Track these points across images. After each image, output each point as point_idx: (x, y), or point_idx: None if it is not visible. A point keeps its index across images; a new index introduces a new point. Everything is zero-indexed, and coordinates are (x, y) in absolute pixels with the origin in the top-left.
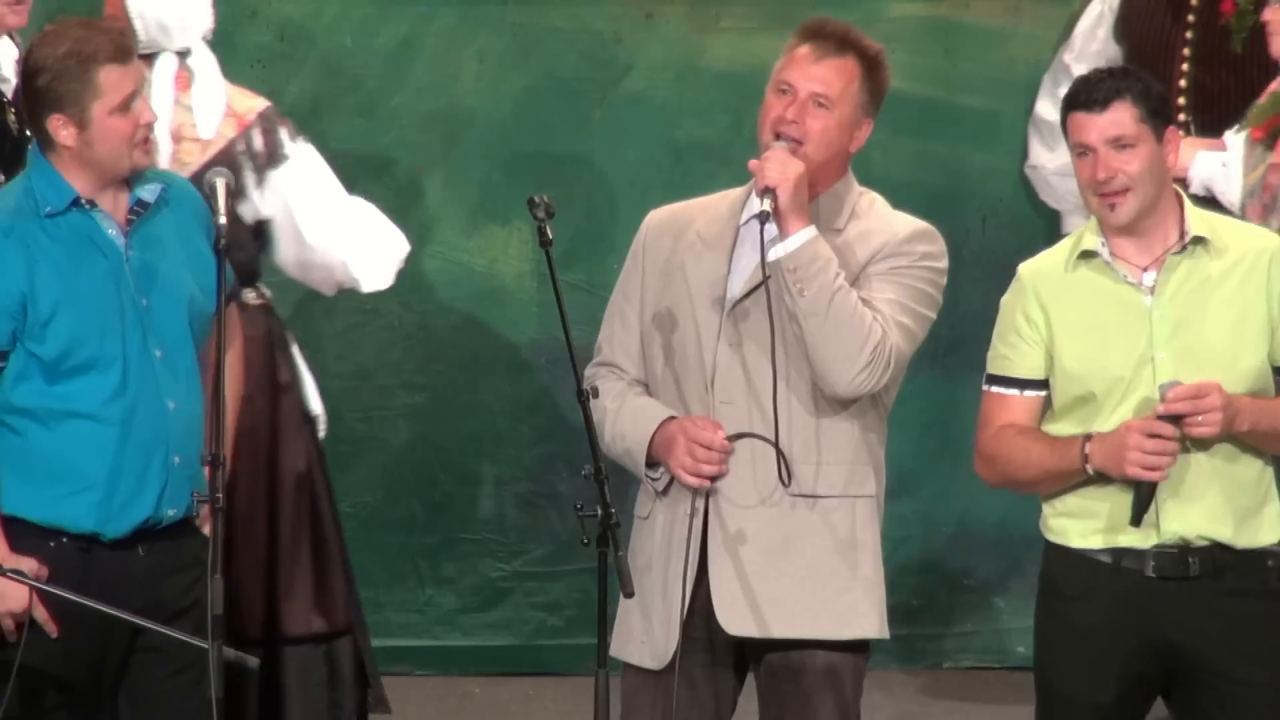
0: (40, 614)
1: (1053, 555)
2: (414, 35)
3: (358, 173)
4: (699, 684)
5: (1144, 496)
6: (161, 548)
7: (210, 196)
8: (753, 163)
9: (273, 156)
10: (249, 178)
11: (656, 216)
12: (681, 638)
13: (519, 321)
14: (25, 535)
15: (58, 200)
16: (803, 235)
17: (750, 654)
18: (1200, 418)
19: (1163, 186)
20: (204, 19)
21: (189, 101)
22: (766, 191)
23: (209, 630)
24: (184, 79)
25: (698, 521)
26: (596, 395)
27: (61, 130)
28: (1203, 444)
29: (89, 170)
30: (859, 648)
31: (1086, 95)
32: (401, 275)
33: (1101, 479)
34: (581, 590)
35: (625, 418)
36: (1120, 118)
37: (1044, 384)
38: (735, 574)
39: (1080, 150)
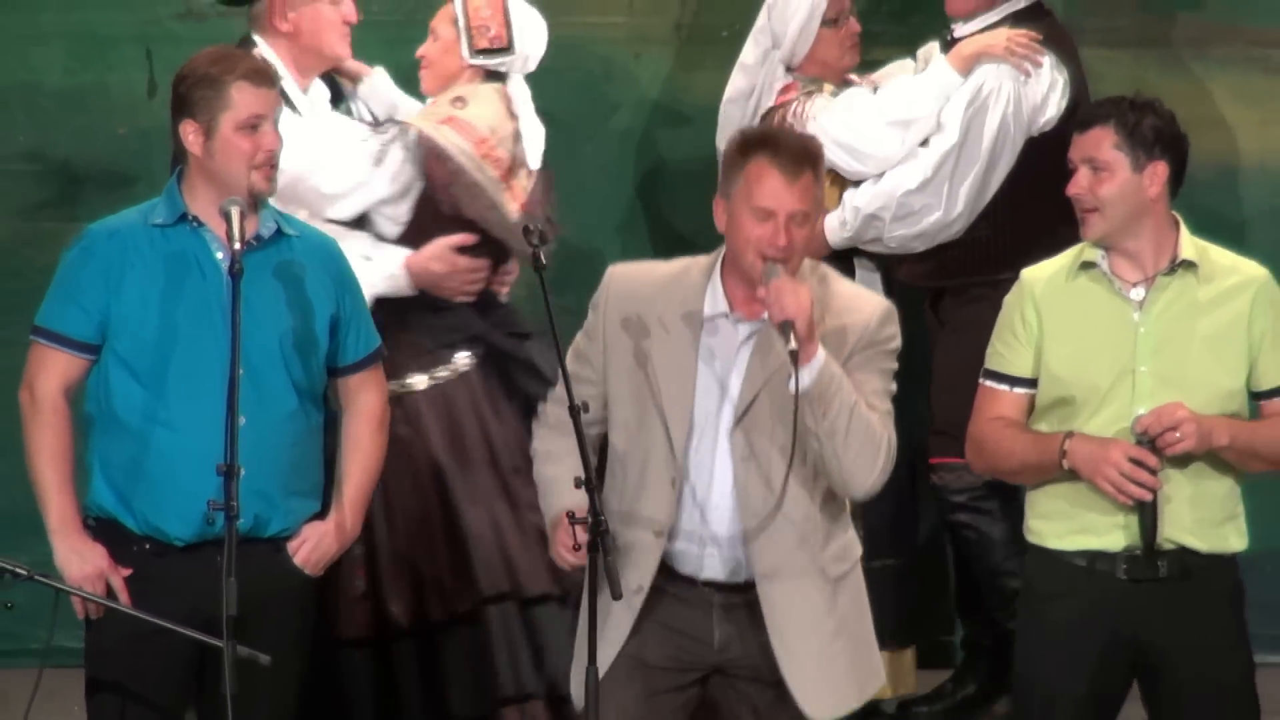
0: (116, 581)
1: (1032, 557)
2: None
3: None
4: (672, 708)
5: (1149, 522)
6: (234, 558)
7: (227, 221)
8: (761, 291)
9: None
10: None
11: (618, 281)
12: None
13: None
14: (105, 531)
15: (168, 214)
16: (819, 360)
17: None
18: (1176, 434)
19: (1143, 213)
20: (541, 45)
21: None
22: (785, 324)
23: (224, 630)
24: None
25: (642, 596)
26: (587, 410)
27: (190, 136)
28: (1181, 461)
29: (211, 184)
30: None
31: (1080, 115)
32: None
33: (1074, 477)
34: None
35: (542, 482)
36: (1098, 140)
37: (1034, 382)
38: (806, 661)
39: (1070, 165)
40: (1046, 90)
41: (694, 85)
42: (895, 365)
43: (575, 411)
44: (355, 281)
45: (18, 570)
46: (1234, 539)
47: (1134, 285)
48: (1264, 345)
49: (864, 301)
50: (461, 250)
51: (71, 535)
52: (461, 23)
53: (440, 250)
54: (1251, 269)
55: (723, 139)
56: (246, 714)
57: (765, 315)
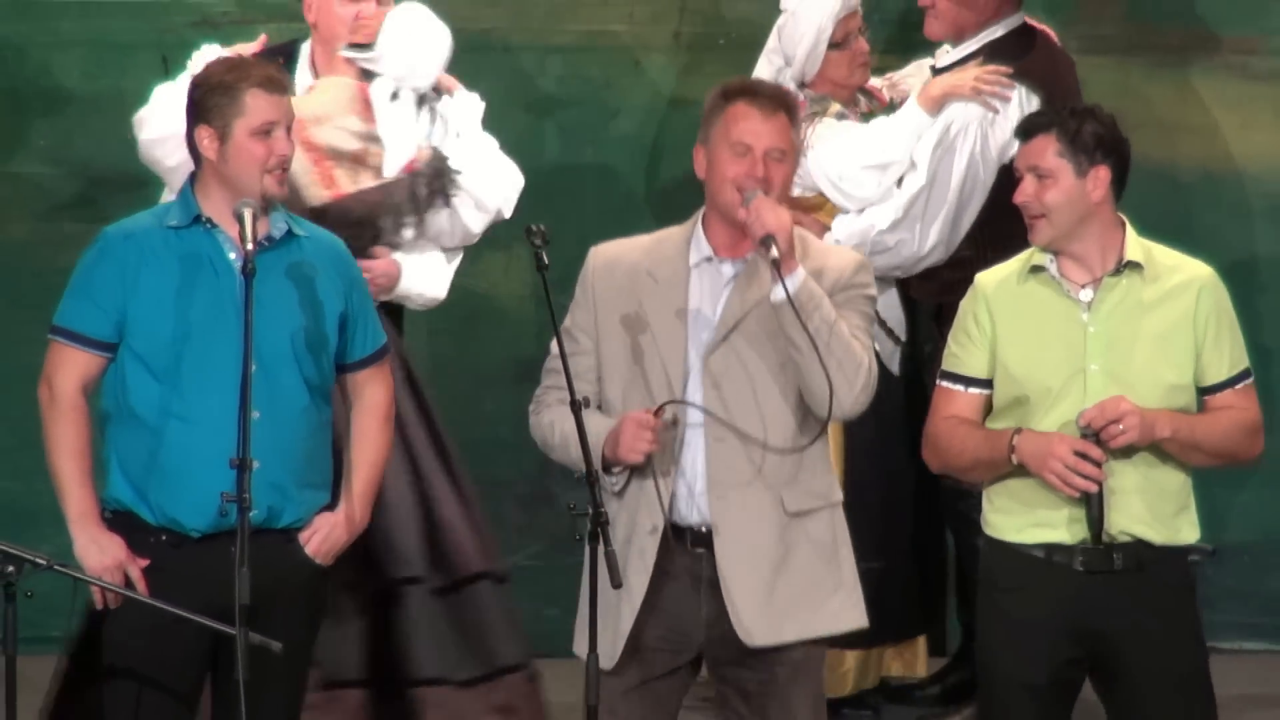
0: (134, 572)
1: (990, 549)
2: None
3: None
4: (669, 680)
5: (1095, 514)
6: (247, 549)
7: (241, 223)
8: (742, 212)
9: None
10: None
11: (602, 253)
12: (638, 640)
13: (518, 339)
14: (122, 523)
15: (183, 216)
16: (800, 273)
17: (714, 658)
18: (1119, 425)
19: (1088, 217)
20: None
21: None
22: (767, 237)
23: (236, 618)
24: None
25: (656, 538)
26: (588, 404)
27: (205, 141)
28: (1128, 453)
29: (225, 188)
30: (822, 641)
31: (1022, 125)
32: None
33: (1027, 472)
34: (575, 582)
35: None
36: (1041, 148)
37: (988, 383)
38: (750, 590)
39: (1016, 174)
40: (1012, 127)
41: (692, 91)
42: (872, 312)
43: (577, 406)
44: (362, 280)
45: (38, 560)
46: (1186, 530)
47: (1082, 287)
48: (1207, 341)
49: (841, 252)
50: None
51: (90, 527)
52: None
53: None
54: (1196, 268)
55: None
56: (259, 699)
57: (748, 256)
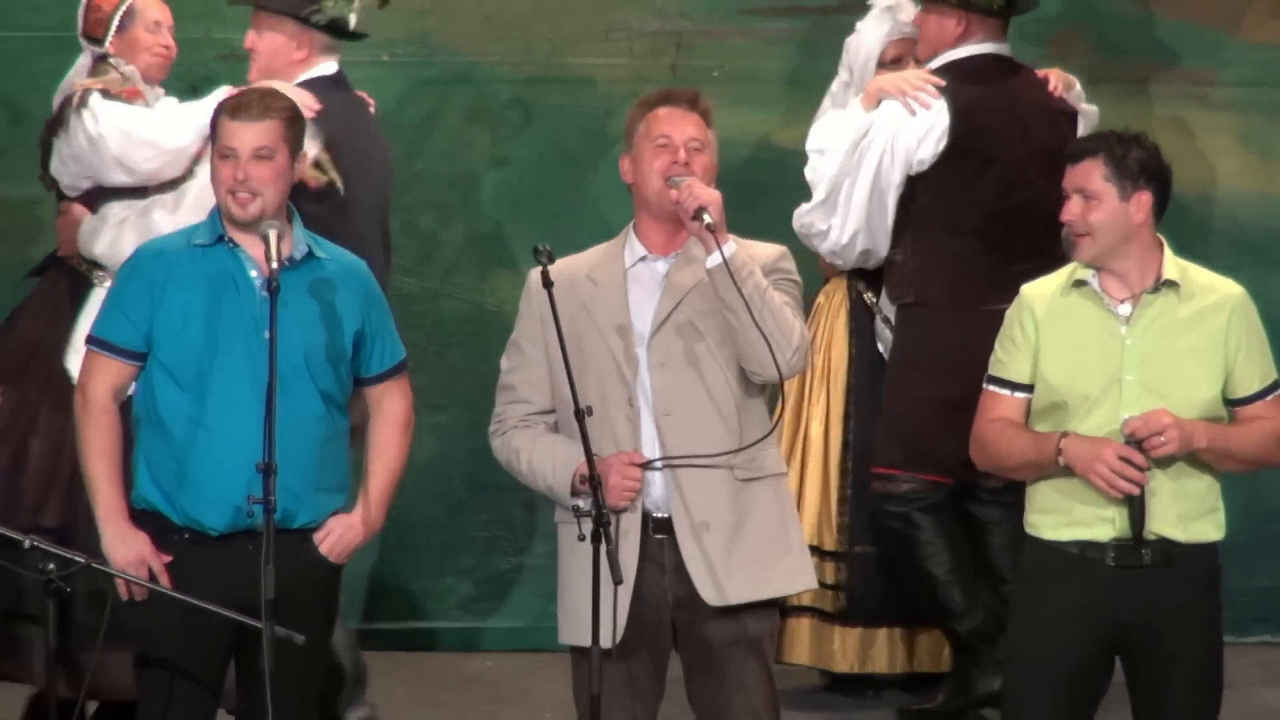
0: (157, 566)
1: (1029, 547)
2: (436, 111)
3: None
4: (645, 659)
5: (1137, 514)
6: (263, 546)
7: (265, 243)
8: (673, 194)
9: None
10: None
11: (540, 273)
12: (629, 624)
13: None
14: (149, 522)
15: (208, 236)
16: (732, 244)
17: (682, 627)
18: (1161, 438)
19: (1130, 237)
20: None
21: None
22: (700, 210)
23: (263, 612)
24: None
25: (636, 536)
26: (590, 414)
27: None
28: (1164, 461)
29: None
30: (773, 606)
31: (1072, 147)
32: (425, 314)
33: (1069, 473)
34: None
35: (540, 457)
36: (1089, 172)
37: (1031, 387)
38: (708, 556)
39: (1064, 194)
40: (924, 133)
41: None
42: (799, 295)
43: (580, 415)
44: (382, 299)
45: (76, 558)
46: (1211, 530)
47: (1121, 302)
48: (1238, 358)
49: (764, 244)
50: None
51: (118, 524)
52: None
53: None
54: (1228, 287)
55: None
56: (281, 689)
57: (679, 250)
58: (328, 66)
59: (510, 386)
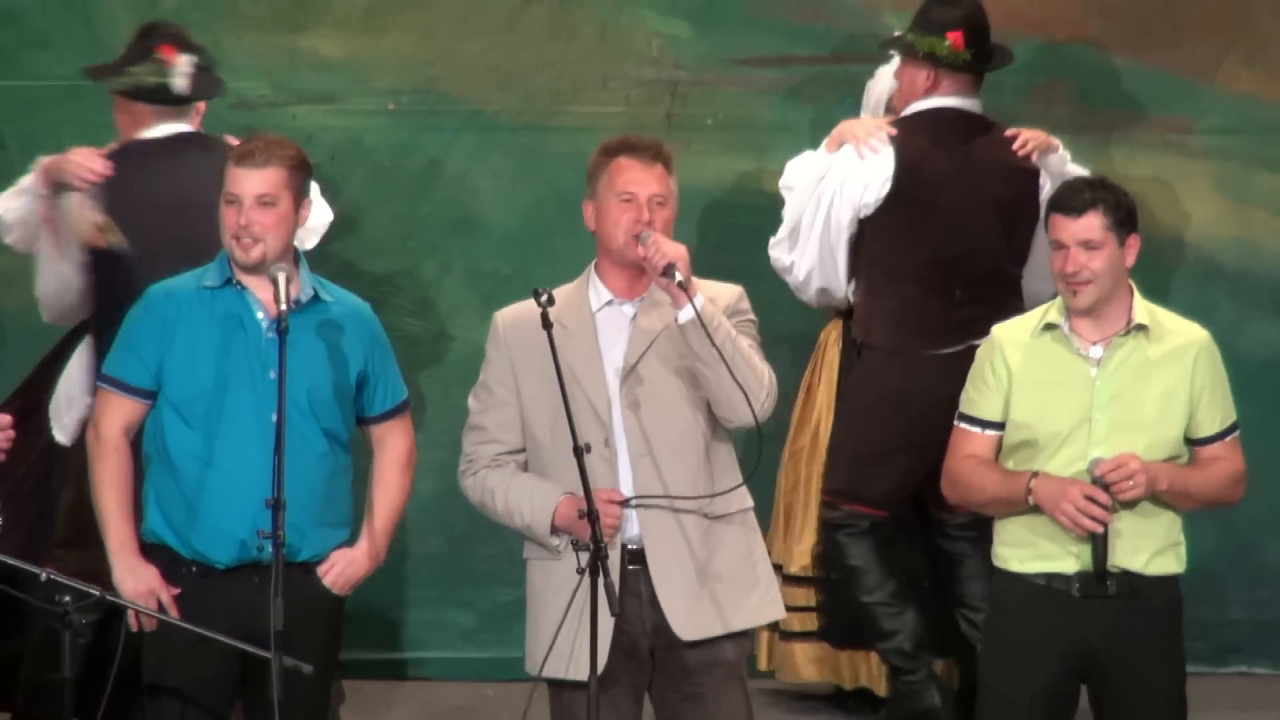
0: (165, 597)
1: (998, 578)
2: (440, 156)
3: (394, 268)
4: (627, 686)
5: (1100, 552)
6: (270, 579)
7: (275, 285)
8: (640, 250)
9: None
10: None
11: (506, 315)
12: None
13: None
14: (158, 554)
15: (217, 278)
16: (701, 297)
17: (660, 654)
18: (1129, 482)
19: (1119, 281)
20: None
21: None
22: (669, 267)
23: (272, 643)
24: None
25: (617, 568)
26: (589, 450)
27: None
28: (1126, 502)
29: None
30: (745, 635)
31: (1067, 202)
32: (429, 355)
33: (1037, 510)
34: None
35: (517, 496)
36: (1091, 224)
37: (1002, 425)
38: (679, 594)
39: (1056, 245)
40: (870, 178)
41: (682, 167)
42: (757, 334)
43: (579, 452)
44: (385, 341)
45: (90, 590)
46: (1173, 563)
47: (1093, 344)
48: (1202, 399)
49: (722, 285)
50: None
51: (128, 556)
52: None
53: None
54: (1194, 332)
55: None
56: (288, 718)
57: (643, 295)
58: (162, 129)
59: (481, 427)
